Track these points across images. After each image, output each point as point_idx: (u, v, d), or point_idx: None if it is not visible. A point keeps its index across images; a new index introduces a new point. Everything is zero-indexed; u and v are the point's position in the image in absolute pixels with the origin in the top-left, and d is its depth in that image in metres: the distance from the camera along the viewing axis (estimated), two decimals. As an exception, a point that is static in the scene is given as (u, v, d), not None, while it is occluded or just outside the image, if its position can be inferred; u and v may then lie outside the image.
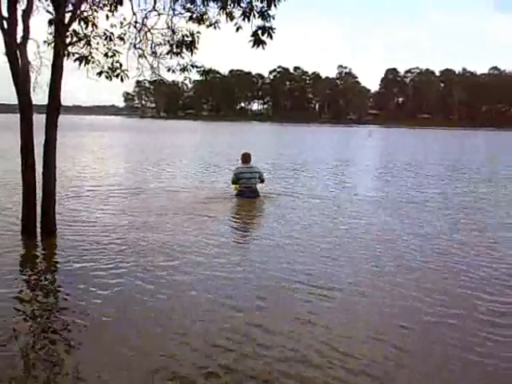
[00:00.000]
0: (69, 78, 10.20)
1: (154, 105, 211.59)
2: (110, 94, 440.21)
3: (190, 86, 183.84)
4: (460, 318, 6.23)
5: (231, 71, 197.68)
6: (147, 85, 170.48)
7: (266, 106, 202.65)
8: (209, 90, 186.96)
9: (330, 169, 24.84)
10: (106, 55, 9.74)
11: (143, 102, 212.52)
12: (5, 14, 8.84)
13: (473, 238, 10.48)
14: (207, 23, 10.20)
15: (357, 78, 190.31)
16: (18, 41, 9.01)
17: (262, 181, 14.89)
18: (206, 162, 26.34)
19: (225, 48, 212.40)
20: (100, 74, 9.72)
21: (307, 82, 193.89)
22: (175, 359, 5.02)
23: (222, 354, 5.15)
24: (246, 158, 14.92)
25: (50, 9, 9.18)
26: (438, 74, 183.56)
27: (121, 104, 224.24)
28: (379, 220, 12.06)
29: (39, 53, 9.37)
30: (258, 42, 9.15)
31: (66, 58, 9.21)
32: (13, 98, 9.33)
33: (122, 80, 9.65)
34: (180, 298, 6.65)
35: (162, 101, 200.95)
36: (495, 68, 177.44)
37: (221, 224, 11.33)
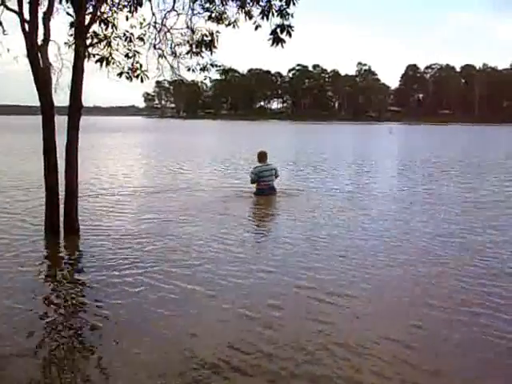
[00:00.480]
0: (89, 79, 10.27)
1: (173, 105, 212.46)
2: (130, 95, 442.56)
3: (209, 85, 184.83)
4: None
5: (250, 70, 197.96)
6: (167, 85, 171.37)
7: (285, 105, 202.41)
8: (228, 89, 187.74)
9: (354, 167, 24.73)
10: (126, 56, 9.80)
11: (163, 102, 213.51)
12: (26, 16, 8.94)
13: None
14: (226, 22, 10.22)
15: (376, 74, 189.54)
16: (39, 43, 9.12)
17: (277, 176, 15.15)
18: (227, 161, 26.36)
19: (244, 47, 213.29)
20: (120, 74, 9.80)
21: (326, 79, 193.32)
22: (192, 362, 5.00)
23: (237, 355, 5.14)
24: (262, 156, 15.13)
25: (71, 11, 9.27)
26: (458, 69, 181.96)
27: (141, 104, 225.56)
28: (402, 220, 11.97)
29: (60, 54, 9.48)
30: (277, 40, 9.15)
31: (86, 60, 9.29)
32: (34, 100, 9.46)
33: (142, 81, 9.71)
34: (196, 298, 6.65)
35: (182, 101, 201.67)
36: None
37: (241, 224, 11.32)
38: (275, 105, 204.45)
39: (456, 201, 14.42)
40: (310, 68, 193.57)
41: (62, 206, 9.61)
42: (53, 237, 9.41)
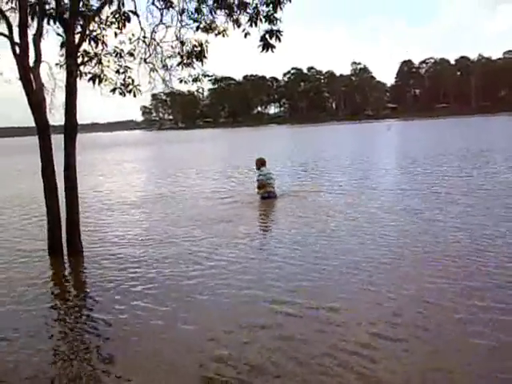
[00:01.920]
0: (85, 97, 10.36)
1: (171, 116, 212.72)
2: (127, 110, 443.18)
3: (205, 94, 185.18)
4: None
5: (245, 77, 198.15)
6: (164, 97, 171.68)
7: (282, 109, 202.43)
8: (225, 97, 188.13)
9: (356, 166, 24.72)
10: (117, 72, 9.85)
11: (161, 115, 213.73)
12: (16, 39, 8.98)
13: None
14: (216, 32, 10.26)
15: (371, 73, 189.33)
16: (31, 64, 9.16)
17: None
18: (228, 169, 26.38)
19: (238, 54, 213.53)
20: (114, 90, 9.83)
21: (322, 81, 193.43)
22: (203, 371, 5.02)
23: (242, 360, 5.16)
24: (262, 162, 15.63)
25: (60, 31, 9.32)
26: (453, 62, 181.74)
27: (139, 118, 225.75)
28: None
29: (52, 74, 9.52)
30: (266, 45, 9.19)
31: (78, 78, 9.33)
32: (30, 121, 9.49)
33: (134, 95, 9.75)
34: (205, 310, 6.67)
35: (179, 112, 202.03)
36: (510, 51, 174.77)
37: (248, 229, 11.39)
38: (273, 109, 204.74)
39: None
40: (305, 71, 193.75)
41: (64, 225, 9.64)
42: (56, 257, 9.41)
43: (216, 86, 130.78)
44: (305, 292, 6.96)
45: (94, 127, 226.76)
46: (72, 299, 7.47)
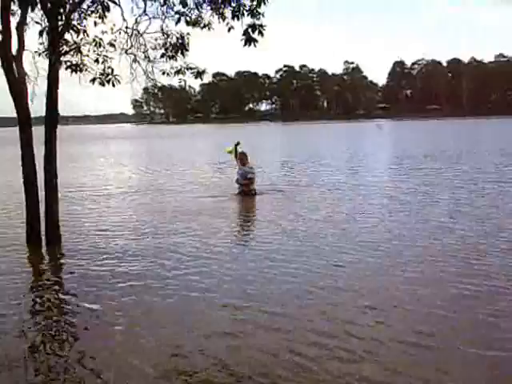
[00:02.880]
0: (76, 88, 10.36)
1: (162, 111, 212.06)
2: (119, 103, 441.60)
3: (197, 89, 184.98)
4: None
5: (238, 73, 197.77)
6: (155, 91, 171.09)
7: (274, 106, 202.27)
8: (216, 92, 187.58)
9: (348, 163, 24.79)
10: (96, 61, 9.83)
11: (152, 109, 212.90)
12: (-1, 26, 8.93)
13: None
14: (201, 25, 10.24)
15: (363, 72, 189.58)
16: (14, 53, 9.12)
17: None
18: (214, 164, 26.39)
19: (231, 51, 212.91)
20: (93, 80, 9.81)
21: (314, 79, 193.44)
22: (186, 364, 5.02)
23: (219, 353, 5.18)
24: (243, 158, 15.28)
25: (39, 19, 9.30)
26: (445, 64, 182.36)
27: (130, 111, 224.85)
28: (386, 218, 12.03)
29: (35, 63, 9.49)
30: (249, 40, 9.20)
31: (59, 67, 9.28)
32: (10, 111, 9.45)
33: (113, 85, 9.72)
34: (189, 301, 6.67)
35: (171, 106, 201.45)
36: (501, 55, 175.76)
37: (231, 223, 11.50)
38: (264, 106, 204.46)
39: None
40: (297, 68, 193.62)
41: (42, 215, 9.61)
42: (34, 247, 9.39)
43: (207, 80, 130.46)
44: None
45: (85, 119, 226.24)
46: (48, 290, 7.41)
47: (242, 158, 15.22)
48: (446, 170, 20.47)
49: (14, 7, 9.24)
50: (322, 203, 13.38)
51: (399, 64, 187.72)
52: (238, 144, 15.63)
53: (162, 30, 10.15)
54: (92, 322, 6.06)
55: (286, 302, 6.45)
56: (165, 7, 9.88)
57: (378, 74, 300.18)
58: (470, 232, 9.82)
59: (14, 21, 9.17)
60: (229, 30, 9.58)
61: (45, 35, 9.48)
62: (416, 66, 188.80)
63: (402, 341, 5.30)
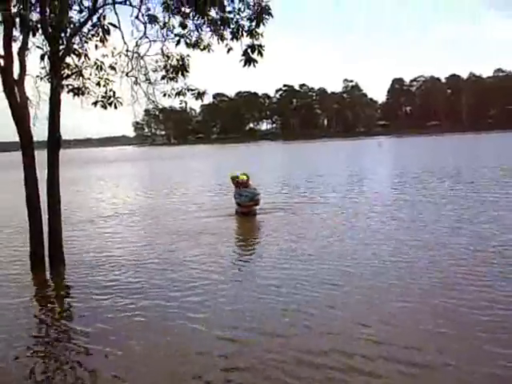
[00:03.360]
0: (78, 112, 10.43)
1: (163, 132, 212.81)
2: (120, 125, 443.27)
3: (198, 110, 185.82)
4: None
5: (238, 93, 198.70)
6: (156, 113, 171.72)
7: (274, 125, 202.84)
8: (217, 113, 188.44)
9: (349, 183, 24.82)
10: (98, 84, 9.92)
11: (153, 130, 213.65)
12: (0, 51, 9.02)
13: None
14: (201, 47, 10.32)
15: (363, 90, 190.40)
16: (15, 77, 9.20)
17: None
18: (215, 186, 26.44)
19: (231, 72, 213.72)
20: (95, 103, 9.89)
21: (314, 98, 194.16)
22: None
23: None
24: (242, 182, 15.21)
25: (40, 43, 9.40)
26: (443, 80, 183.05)
27: (131, 134, 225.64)
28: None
29: (37, 87, 9.57)
30: (248, 60, 9.25)
31: (61, 91, 9.36)
32: (12, 136, 9.50)
33: (115, 107, 9.78)
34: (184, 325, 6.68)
35: (172, 127, 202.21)
36: (500, 70, 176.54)
37: (232, 245, 11.59)
38: (265, 125, 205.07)
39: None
40: (297, 87, 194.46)
41: (46, 239, 9.62)
42: (38, 273, 9.38)
43: (208, 101, 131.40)
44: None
45: (87, 142, 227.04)
46: (55, 315, 7.43)
47: (244, 180, 15.19)
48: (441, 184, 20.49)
49: (16, 33, 9.35)
50: (320, 223, 13.38)
51: (398, 81, 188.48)
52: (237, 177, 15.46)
53: (163, 52, 10.23)
54: (92, 346, 6.06)
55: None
56: (165, 30, 9.97)
57: (377, 91, 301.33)
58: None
59: (15, 46, 9.29)
60: (228, 51, 9.65)
61: (46, 59, 9.56)
62: (415, 82, 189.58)
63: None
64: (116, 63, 9.93)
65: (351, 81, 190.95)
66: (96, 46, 9.75)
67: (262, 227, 13.43)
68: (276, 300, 7.34)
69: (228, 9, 9.42)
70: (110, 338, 6.24)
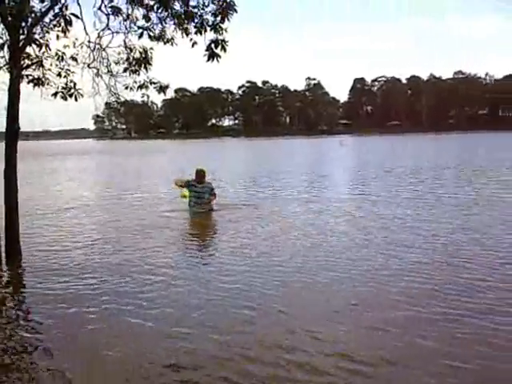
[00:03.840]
0: (36, 104, 10.26)
1: (124, 126, 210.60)
2: (80, 118, 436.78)
3: (159, 105, 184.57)
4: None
5: (200, 88, 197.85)
6: (117, 106, 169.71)
7: (237, 122, 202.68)
8: (179, 108, 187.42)
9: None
10: (58, 75, 9.78)
11: (113, 124, 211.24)
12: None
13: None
14: (164, 40, 10.24)
15: (325, 88, 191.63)
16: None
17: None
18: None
19: (193, 67, 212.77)
20: (55, 94, 9.75)
21: (276, 95, 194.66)
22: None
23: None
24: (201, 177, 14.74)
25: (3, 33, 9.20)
26: (404, 81, 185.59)
27: (91, 127, 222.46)
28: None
29: (-4, 78, 9.37)
30: (212, 55, 9.25)
31: (21, 81, 9.20)
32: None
33: (76, 99, 9.68)
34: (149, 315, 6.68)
35: (133, 121, 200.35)
36: (460, 72, 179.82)
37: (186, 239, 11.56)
38: (227, 122, 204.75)
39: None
40: (260, 84, 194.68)
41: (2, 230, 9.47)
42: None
43: (170, 96, 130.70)
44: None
45: (46, 134, 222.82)
46: (9, 307, 7.33)
47: (200, 175, 14.71)
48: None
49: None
50: (277, 220, 13.43)
51: (360, 81, 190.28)
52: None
53: (125, 44, 10.14)
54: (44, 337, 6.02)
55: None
56: (128, 22, 9.89)
57: (339, 90, 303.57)
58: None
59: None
60: (192, 45, 9.59)
61: (6, 49, 9.37)
62: (376, 82, 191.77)
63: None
64: (77, 54, 9.83)
65: (314, 79, 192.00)
66: (57, 37, 9.63)
67: (219, 223, 13.42)
68: (226, 297, 7.36)
69: (192, 3, 9.41)
70: (53, 332, 6.18)
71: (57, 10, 9.25)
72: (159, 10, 9.65)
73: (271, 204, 16.01)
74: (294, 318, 6.52)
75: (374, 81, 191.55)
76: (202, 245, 11.47)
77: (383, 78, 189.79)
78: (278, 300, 7.16)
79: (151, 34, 10.08)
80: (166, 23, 10.02)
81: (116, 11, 9.62)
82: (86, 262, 9.39)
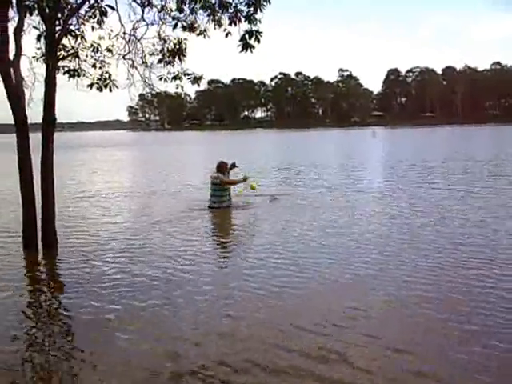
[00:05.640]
0: (72, 95, 10.39)
1: (157, 117, 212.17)
2: (114, 109, 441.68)
3: (193, 96, 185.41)
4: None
5: (233, 80, 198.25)
6: (150, 98, 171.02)
7: (269, 113, 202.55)
8: (212, 99, 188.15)
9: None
10: (94, 66, 9.90)
11: (147, 115, 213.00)
12: (-4, 32, 8.95)
13: None
14: (197, 31, 10.28)
15: (358, 80, 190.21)
16: (11, 58, 9.14)
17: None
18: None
19: (227, 58, 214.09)
20: (91, 86, 9.85)
21: (309, 86, 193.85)
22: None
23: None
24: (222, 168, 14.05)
25: (37, 24, 9.34)
26: (439, 71, 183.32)
27: (125, 118, 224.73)
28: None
29: (32, 69, 9.51)
30: (246, 46, 9.24)
31: (57, 72, 9.32)
32: (8, 118, 9.47)
33: (110, 90, 9.78)
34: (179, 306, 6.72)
35: (166, 113, 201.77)
36: (498, 63, 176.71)
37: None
38: (259, 113, 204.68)
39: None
40: (293, 76, 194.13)
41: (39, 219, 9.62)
42: (31, 251, 9.37)
43: (203, 87, 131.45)
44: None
45: (81, 126, 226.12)
46: (45, 294, 7.42)
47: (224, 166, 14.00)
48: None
49: (12, 12, 9.27)
50: (309, 212, 13.12)
51: (394, 72, 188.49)
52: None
53: (160, 35, 10.21)
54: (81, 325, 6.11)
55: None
56: (162, 13, 9.95)
57: (373, 81, 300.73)
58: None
59: (11, 26, 9.22)
60: (226, 35, 9.62)
61: (42, 40, 9.48)
62: (410, 73, 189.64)
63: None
64: (113, 46, 9.92)
65: (346, 70, 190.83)
66: (93, 28, 9.74)
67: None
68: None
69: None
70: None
71: (92, 2, 9.38)
72: (193, 2, 9.69)
73: (296, 197, 15.87)
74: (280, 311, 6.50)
75: (408, 71, 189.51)
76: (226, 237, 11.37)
77: (418, 69, 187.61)
78: (275, 301, 7.19)
79: (184, 24, 10.12)
80: (197, 14, 10.04)
81: (149, 2, 9.67)
82: (119, 248, 9.52)
